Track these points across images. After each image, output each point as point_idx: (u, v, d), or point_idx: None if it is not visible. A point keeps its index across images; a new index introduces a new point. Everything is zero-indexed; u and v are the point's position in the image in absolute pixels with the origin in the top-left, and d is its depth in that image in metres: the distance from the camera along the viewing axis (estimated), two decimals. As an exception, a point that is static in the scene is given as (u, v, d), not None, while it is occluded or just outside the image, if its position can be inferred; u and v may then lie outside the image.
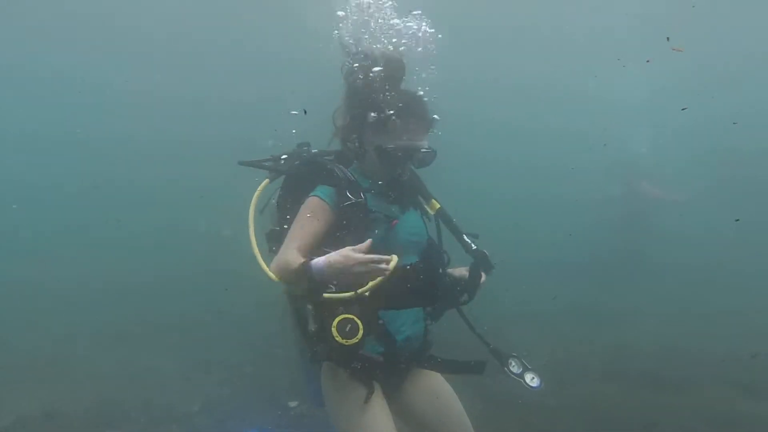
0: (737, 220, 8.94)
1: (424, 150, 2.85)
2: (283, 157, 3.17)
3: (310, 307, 2.61)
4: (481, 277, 2.93)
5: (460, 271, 3.03)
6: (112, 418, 6.09)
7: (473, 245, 3.04)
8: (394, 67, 2.80)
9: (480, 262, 2.97)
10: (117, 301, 10.34)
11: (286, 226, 2.85)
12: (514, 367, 3.06)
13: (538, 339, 8.01)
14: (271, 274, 2.66)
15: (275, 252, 2.82)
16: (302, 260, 2.54)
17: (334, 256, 2.46)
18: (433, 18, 2.95)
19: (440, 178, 3.26)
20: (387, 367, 2.79)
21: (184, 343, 8.42)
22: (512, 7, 17.75)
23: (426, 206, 3.14)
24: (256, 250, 2.79)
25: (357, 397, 2.75)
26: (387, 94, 2.79)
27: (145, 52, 20.27)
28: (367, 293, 2.48)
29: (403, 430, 2.98)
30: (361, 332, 2.45)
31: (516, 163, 21.63)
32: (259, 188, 3.06)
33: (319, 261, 2.49)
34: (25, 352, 7.96)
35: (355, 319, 2.46)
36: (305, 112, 3.34)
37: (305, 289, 2.52)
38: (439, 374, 3.06)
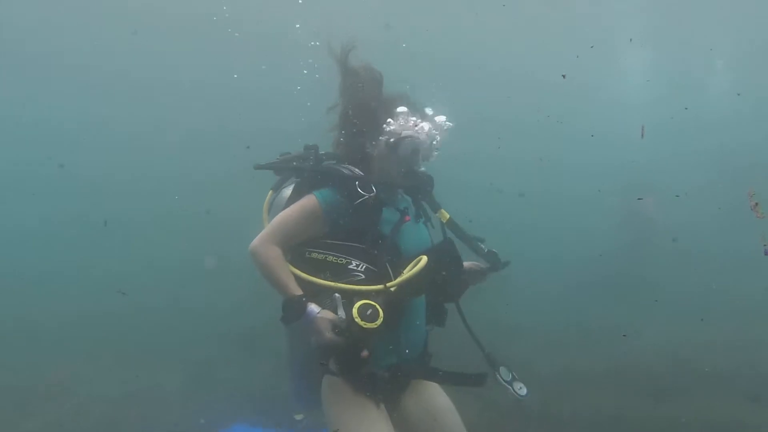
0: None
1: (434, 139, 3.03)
2: (288, 157, 3.27)
3: (337, 295, 2.69)
4: (499, 261, 3.17)
5: (471, 265, 3.23)
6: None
7: (484, 247, 3.22)
8: (378, 73, 3.04)
9: (494, 260, 3.18)
10: (118, 322, 10.35)
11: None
12: (505, 375, 3.12)
13: (538, 351, 8.02)
14: (251, 250, 2.79)
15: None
16: (299, 292, 2.71)
17: (319, 324, 2.60)
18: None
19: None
20: (389, 379, 2.83)
21: (186, 362, 8.41)
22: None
23: (433, 214, 3.23)
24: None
25: (359, 411, 2.75)
26: (382, 97, 3.02)
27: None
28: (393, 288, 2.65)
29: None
30: (380, 319, 2.54)
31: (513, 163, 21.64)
32: (266, 201, 3.18)
33: (312, 310, 2.65)
34: (29, 373, 7.94)
35: (377, 306, 2.57)
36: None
37: (283, 304, 2.70)
38: (438, 386, 3.08)
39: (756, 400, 6.27)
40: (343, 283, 2.73)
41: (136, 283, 13.04)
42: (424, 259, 2.69)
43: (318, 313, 2.62)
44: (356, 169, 2.93)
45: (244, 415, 6.36)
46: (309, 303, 2.65)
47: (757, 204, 4.27)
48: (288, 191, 3.14)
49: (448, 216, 3.19)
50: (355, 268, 2.81)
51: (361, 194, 2.83)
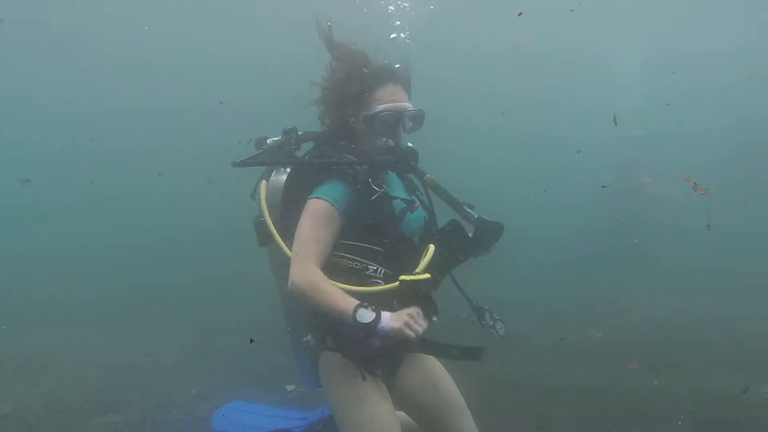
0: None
1: (410, 110, 2.88)
2: (268, 148, 3.12)
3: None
4: (491, 228, 3.02)
5: None
6: (111, 405, 6.12)
7: (473, 214, 3.09)
8: (362, 48, 2.95)
9: (485, 226, 3.02)
10: (114, 290, 10.40)
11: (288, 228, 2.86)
12: (488, 319, 3.11)
13: (533, 323, 8.08)
14: (295, 288, 2.60)
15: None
16: (353, 304, 2.48)
17: (390, 324, 2.46)
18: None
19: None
20: (387, 353, 2.80)
21: (181, 332, 8.47)
22: None
23: (418, 181, 3.16)
24: (288, 252, 2.74)
25: (358, 386, 2.75)
26: (364, 70, 2.89)
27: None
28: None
29: (401, 416, 3.02)
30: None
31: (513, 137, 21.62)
32: (263, 194, 2.96)
33: (365, 314, 2.44)
34: (23, 342, 7.98)
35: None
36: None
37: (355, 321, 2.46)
38: (433, 358, 3.08)
39: (745, 371, 6.37)
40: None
41: (135, 256, 13.15)
42: (431, 249, 2.65)
43: (390, 318, 2.47)
44: (350, 156, 2.83)
45: (239, 386, 6.41)
46: (378, 310, 2.47)
47: (695, 183, 4.33)
48: (281, 178, 3.00)
49: (435, 181, 3.11)
50: (374, 273, 2.76)
51: (375, 190, 2.74)
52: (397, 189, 3.01)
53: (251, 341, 5.43)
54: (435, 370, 3.05)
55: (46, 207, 19.63)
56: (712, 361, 6.82)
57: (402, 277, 2.56)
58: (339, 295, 2.54)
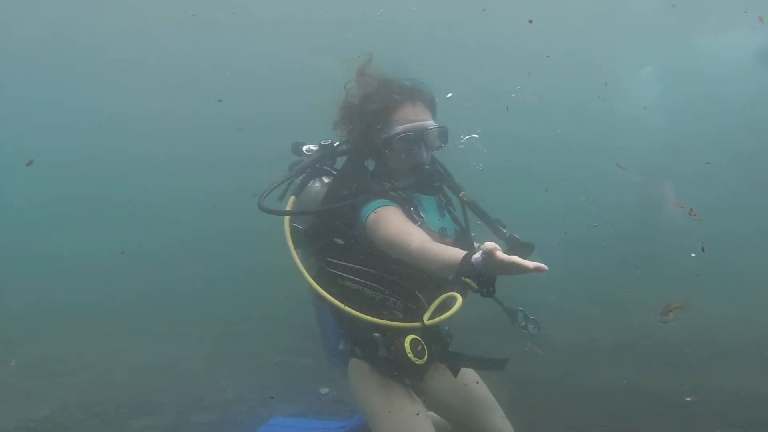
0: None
1: (429, 128, 2.87)
2: (307, 152, 3.13)
3: (377, 335, 2.72)
4: (522, 247, 2.98)
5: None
6: (145, 408, 6.23)
7: (505, 231, 3.07)
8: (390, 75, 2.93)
9: (516, 245, 3.00)
10: (143, 293, 10.56)
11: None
12: (521, 320, 3.15)
13: (559, 325, 8.08)
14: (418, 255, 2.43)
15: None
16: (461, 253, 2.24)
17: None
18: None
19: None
20: (412, 364, 2.75)
21: (210, 335, 8.60)
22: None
23: (454, 197, 3.13)
24: (311, 281, 2.77)
25: (387, 390, 2.80)
26: (385, 91, 2.89)
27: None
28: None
29: (432, 416, 3.06)
30: (427, 355, 2.62)
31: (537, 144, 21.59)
32: (287, 230, 2.89)
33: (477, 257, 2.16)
34: (57, 345, 8.16)
35: (423, 343, 2.64)
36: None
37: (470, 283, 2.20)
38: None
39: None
40: (382, 319, 2.65)
41: (163, 260, 13.33)
42: (459, 300, 2.45)
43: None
44: (383, 184, 2.81)
45: (271, 390, 6.49)
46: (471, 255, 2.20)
47: (691, 209, 4.36)
48: (317, 184, 3.03)
49: (470, 199, 3.06)
50: (393, 305, 2.77)
51: (416, 220, 2.75)
52: (430, 210, 2.98)
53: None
54: (462, 370, 3.03)
55: (78, 210, 19.90)
56: (743, 363, 6.77)
57: (428, 322, 2.54)
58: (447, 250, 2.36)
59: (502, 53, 20.20)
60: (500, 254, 2.01)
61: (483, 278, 2.13)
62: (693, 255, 5.44)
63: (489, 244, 2.05)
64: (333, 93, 3.02)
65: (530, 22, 13.05)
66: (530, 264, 1.96)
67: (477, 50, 19.83)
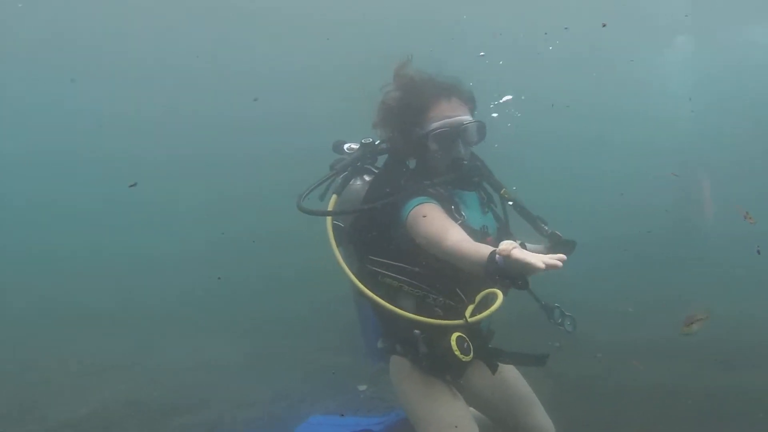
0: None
1: (467, 122, 2.87)
2: (348, 150, 3.19)
3: (417, 331, 2.72)
4: (564, 245, 3.00)
5: (536, 248, 3.12)
6: (187, 406, 6.33)
7: (547, 228, 3.07)
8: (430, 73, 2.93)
9: (558, 242, 3.02)
10: (186, 296, 10.72)
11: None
12: (558, 317, 3.14)
13: (597, 323, 8.01)
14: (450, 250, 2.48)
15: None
16: (489, 250, 2.28)
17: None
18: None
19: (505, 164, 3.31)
20: (453, 360, 2.76)
21: (253, 336, 8.66)
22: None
23: (495, 194, 3.11)
24: (358, 283, 2.76)
25: (428, 386, 2.82)
26: (420, 89, 2.90)
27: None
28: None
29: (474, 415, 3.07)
30: (473, 352, 2.62)
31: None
32: (329, 229, 2.90)
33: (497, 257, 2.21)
34: (98, 344, 8.31)
35: (467, 339, 2.63)
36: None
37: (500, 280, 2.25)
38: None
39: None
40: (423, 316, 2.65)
41: (200, 260, 13.49)
42: (500, 297, 2.45)
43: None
44: (436, 186, 2.82)
45: (311, 387, 6.56)
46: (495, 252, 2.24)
47: (747, 212, 4.29)
48: (358, 183, 3.06)
49: (512, 196, 3.06)
50: (434, 303, 2.76)
51: (456, 218, 2.75)
52: (472, 207, 2.99)
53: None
54: (502, 366, 3.06)
55: (120, 211, 20.19)
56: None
57: (470, 319, 2.56)
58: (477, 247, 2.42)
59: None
60: (516, 253, 2.06)
61: (508, 276, 2.18)
62: (758, 253, 5.29)
63: (503, 244, 2.11)
64: (369, 93, 3.06)
65: (604, 25, 13.03)
66: (541, 265, 2.00)
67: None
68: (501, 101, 3.16)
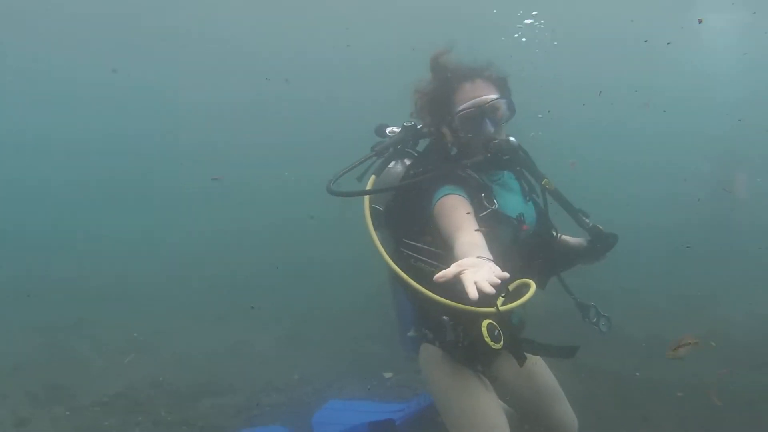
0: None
1: (490, 100, 2.80)
2: (390, 134, 3.16)
3: (446, 318, 2.63)
4: (605, 238, 3.01)
5: (576, 241, 3.13)
6: (216, 388, 6.41)
7: (588, 222, 3.05)
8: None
9: (599, 236, 3.02)
10: (220, 279, 10.80)
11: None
12: (593, 316, 3.11)
13: (630, 316, 7.90)
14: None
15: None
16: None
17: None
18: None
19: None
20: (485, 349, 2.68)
21: (286, 322, 8.74)
22: None
23: (536, 183, 3.05)
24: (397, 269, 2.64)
25: (459, 375, 2.78)
26: (445, 75, 2.88)
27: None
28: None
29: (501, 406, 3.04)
30: (503, 340, 2.52)
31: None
32: (366, 206, 2.87)
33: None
34: (129, 325, 8.39)
35: (497, 326, 2.52)
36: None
37: None
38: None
39: None
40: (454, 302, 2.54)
41: (233, 245, 13.58)
42: (533, 287, 2.44)
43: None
44: (470, 172, 2.79)
45: (337, 373, 6.56)
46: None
47: None
48: (398, 166, 3.03)
49: (553, 186, 3.00)
50: (464, 290, 2.70)
51: (486, 207, 2.72)
52: (513, 192, 2.97)
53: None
54: (530, 358, 2.97)
55: (154, 197, 20.43)
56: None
57: (502, 308, 2.45)
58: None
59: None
60: (444, 279, 2.09)
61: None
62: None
63: (455, 265, 2.12)
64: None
65: (700, 21, 12.93)
66: (471, 292, 1.99)
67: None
68: (526, 22, 3.07)
